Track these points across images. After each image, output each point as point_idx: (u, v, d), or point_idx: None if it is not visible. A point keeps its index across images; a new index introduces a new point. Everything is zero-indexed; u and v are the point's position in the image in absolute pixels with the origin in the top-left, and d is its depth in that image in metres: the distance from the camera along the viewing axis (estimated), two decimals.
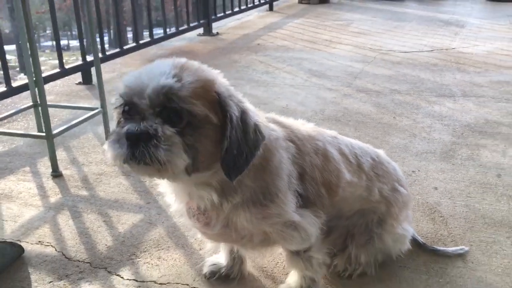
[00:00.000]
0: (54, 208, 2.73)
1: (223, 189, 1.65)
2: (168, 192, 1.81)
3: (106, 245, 2.40)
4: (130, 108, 1.47)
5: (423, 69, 5.26)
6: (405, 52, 6.09)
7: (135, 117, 1.45)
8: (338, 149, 1.95)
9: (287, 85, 4.83)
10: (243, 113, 1.54)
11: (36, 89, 3.17)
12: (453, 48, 6.24)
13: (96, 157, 3.35)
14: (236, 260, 2.12)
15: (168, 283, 2.13)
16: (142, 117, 1.44)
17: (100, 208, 2.72)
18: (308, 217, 1.78)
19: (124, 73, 5.25)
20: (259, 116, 1.63)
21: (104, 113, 3.50)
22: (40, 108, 3.19)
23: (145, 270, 2.21)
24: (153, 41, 6.05)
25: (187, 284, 2.11)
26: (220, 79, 1.58)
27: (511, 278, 2.10)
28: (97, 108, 3.49)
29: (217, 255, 2.19)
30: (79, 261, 2.29)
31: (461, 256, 2.24)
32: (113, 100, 1.54)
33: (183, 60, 1.56)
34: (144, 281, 2.14)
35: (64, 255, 2.33)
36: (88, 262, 2.28)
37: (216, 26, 7.61)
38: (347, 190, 1.93)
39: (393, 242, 2.10)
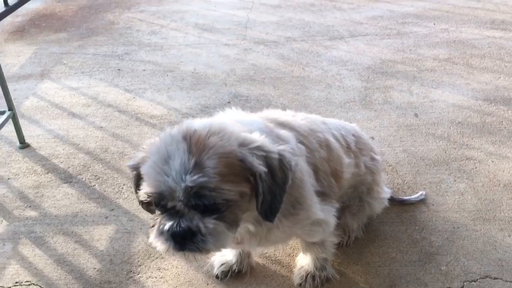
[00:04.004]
0: (9, 239, 2.46)
1: (258, 219, 1.69)
2: None
3: (94, 268, 2.27)
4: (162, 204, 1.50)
5: (304, 11, 5.46)
6: None
7: (171, 210, 1.50)
8: (332, 135, 2.07)
9: (182, 45, 4.69)
10: (267, 158, 1.55)
11: None
12: None
13: (19, 167, 3.00)
14: (243, 255, 2.18)
15: None
16: (179, 212, 1.49)
17: (61, 227, 2.52)
18: (327, 210, 1.90)
19: None
20: (277, 142, 1.67)
21: (13, 115, 3.10)
22: None
23: (153, 286, 2.17)
24: (10, 10, 5.31)
25: None
26: (236, 138, 1.55)
27: (467, 212, 2.49)
28: (4, 112, 3.07)
29: (222, 254, 2.22)
30: None
31: (422, 201, 2.58)
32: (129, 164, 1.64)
33: (191, 130, 1.52)
34: None
35: None
36: None
37: None
38: (346, 172, 2.07)
39: (378, 206, 2.34)
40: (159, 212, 1.56)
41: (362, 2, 5.66)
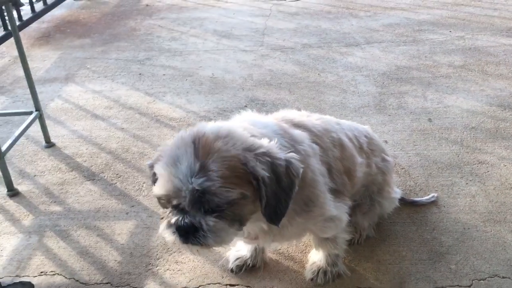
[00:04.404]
0: (35, 232, 2.58)
1: None
2: None
3: (115, 260, 2.37)
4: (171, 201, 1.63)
5: (321, 19, 5.56)
6: (295, 0, 6.31)
7: (179, 206, 1.62)
8: (346, 135, 2.15)
9: (201, 51, 4.81)
10: (273, 164, 1.63)
11: None
12: None
13: (45, 164, 3.14)
14: (258, 250, 2.27)
15: (200, 286, 2.21)
16: (184, 210, 1.61)
17: (84, 222, 2.63)
18: (340, 207, 1.98)
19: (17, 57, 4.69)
20: (286, 148, 1.75)
21: (40, 116, 3.25)
22: None
23: (170, 278, 2.26)
24: (36, 16, 5.51)
25: (219, 283, 2.22)
26: (242, 143, 1.63)
27: (478, 214, 2.54)
28: (32, 112, 3.22)
29: (237, 249, 2.31)
30: (97, 283, 2.26)
31: (433, 202, 2.63)
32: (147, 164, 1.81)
33: (200, 133, 1.62)
34: None
35: (77, 281, 2.27)
36: (108, 283, 2.26)
37: None
38: (359, 171, 2.15)
39: (388, 205, 2.40)
40: (169, 207, 1.68)
41: (379, 10, 5.73)
